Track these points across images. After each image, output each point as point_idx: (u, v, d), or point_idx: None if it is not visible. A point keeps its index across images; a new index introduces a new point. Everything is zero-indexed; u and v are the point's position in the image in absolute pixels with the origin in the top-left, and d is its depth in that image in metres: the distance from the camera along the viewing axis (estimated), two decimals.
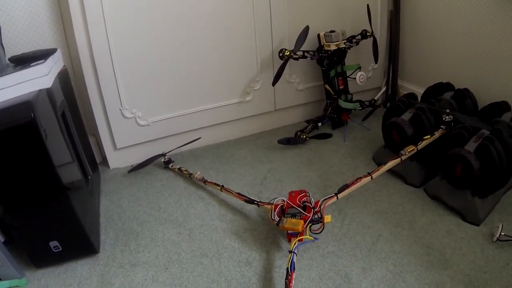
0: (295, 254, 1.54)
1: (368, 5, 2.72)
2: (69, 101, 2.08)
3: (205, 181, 2.22)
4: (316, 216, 1.70)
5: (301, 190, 1.86)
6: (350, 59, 2.88)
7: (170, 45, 2.42)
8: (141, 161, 2.55)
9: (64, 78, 2.08)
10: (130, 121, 2.49)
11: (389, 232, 1.83)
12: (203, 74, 2.58)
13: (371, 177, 1.88)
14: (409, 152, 1.99)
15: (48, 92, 1.67)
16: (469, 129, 1.94)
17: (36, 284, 1.71)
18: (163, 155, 2.56)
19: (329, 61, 2.70)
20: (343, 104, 2.75)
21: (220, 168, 2.50)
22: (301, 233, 1.63)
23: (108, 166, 2.61)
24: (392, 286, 1.55)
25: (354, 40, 2.81)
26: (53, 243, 1.69)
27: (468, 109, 2.28)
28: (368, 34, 2.81)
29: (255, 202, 1.91)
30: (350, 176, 2.28)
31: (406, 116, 2.18)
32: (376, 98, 3.05)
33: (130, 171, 2.54)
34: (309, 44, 2.70)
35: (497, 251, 1.65)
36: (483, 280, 1.53)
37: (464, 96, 2.30)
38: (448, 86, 2.45)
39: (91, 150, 2.49)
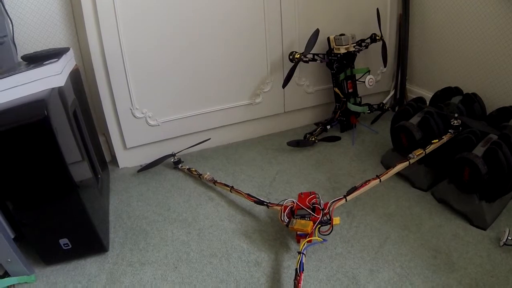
0: (304, 255, 1.54)
1: (377, 9, 2.73)
2: (80, 100, 2.09)
3: (214, 182, 2.23)
4: (325, 218, 1.71)
5: (310, 192, 1.87)
6: (359, 63, 2.89)
7: (181, 46, 2.44)
8: (151, 161, 2.57)
9: (75, 77, 2.10)
10: (140, 121, 2.51)
11: (397, 234, 1.84)
12: (213, 75, 2.60)
13: (380, 180, 1.89)
14: (417, 155, 1.99)
15: (61, 91, 1.68)
16: (477, 133, 1.94)
17: (45, 281, 1.72)
18: (173, 155, 2.58)
19: (338, 64, 2.71)
20: (352, 107, 2.76)
21: (229, 169, 2.52)
22: (310, 235, 1.64)
23: (117, 165, 2.63)
24: None
25: (363, 44, 2.81)
26: (63, 241, 1.71)
27: (476, 114, 2.28)
28: (377, 37, 2.81)
29: (265, 203, 1.92)
30: (358, 178, 2.29)
31: (415, 120, 2.19)
32: (384, 102, 3.06)
33: (139, 171, 2.55)
34: (319, 47, 2.71)
35: (504, 255, 1.66)
36: (490, 284, 1.53)
37: (472, 101, 2.30)
38: (456, 91, 2.45)
39: (101, 149, 2.50)
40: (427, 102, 2.47)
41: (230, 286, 1.63)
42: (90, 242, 1.79)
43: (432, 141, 2.04)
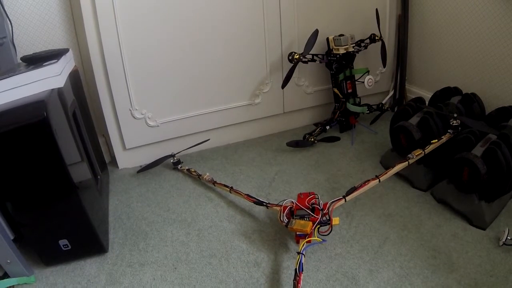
0: (303, 255, 1.54)
1: (377, 9, 2.72)
2: (80, 101, 2.09)
3: (214, 183, 2.23)
4: (324, 218, 1.71)
5: (309, 192, 1.86)
6: (358, 63, 2.89)
7: (181, 47, 2.44)
8: (150, 162, 2.57)
9: (75, 78, 2.10)
10: (139, 122, 2.51)
11: (396, 235, 1.84)
12: (212, 76, 2.60)
13: (379, 180, 1.89)
14: (417, 156, 1.99)
15: (60, 92, 1.68)
16: (476, 133, 1.94)
17: (45, 282, 1.72)
18: (172, 156, 2.57)
19: (338, 64, 2.71)
20: (351, 107, 2.76)
21: (228, 170, 2.52)
22: (310, 235, 1.63)
23: (117, 166, 2.63)
24: None
25: (362, 44, 2.81)
26: (63, 242, 1.71)
27: (475, 114, 2.28)
28: (376, 38, 2.81)
29: (264, 203, 1.92)
30: (357, 179, 2.28)
31: (414, 120, 2.19)
32: (384, 102, 3.06)
33: (139, 172, 2.55)
34: (318, 47, 2.71)
35: (503, 255, 1.65)
36: (489, 284, 1.53)
37: (471, 101, 2.30)
38: (455, 91, 2.45)
39: (101, 150, 2.51)
40: (426, 102, 2.47)
41: (229, 287, 1.63)
42: (90, 243, 1.79)
43: (431, 141, 2.04)
